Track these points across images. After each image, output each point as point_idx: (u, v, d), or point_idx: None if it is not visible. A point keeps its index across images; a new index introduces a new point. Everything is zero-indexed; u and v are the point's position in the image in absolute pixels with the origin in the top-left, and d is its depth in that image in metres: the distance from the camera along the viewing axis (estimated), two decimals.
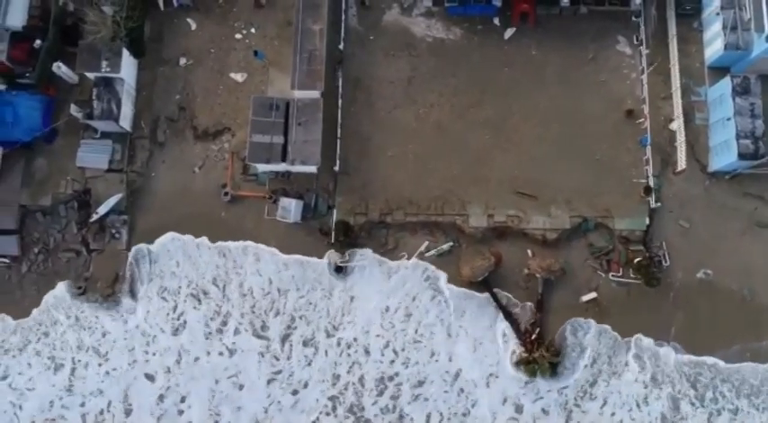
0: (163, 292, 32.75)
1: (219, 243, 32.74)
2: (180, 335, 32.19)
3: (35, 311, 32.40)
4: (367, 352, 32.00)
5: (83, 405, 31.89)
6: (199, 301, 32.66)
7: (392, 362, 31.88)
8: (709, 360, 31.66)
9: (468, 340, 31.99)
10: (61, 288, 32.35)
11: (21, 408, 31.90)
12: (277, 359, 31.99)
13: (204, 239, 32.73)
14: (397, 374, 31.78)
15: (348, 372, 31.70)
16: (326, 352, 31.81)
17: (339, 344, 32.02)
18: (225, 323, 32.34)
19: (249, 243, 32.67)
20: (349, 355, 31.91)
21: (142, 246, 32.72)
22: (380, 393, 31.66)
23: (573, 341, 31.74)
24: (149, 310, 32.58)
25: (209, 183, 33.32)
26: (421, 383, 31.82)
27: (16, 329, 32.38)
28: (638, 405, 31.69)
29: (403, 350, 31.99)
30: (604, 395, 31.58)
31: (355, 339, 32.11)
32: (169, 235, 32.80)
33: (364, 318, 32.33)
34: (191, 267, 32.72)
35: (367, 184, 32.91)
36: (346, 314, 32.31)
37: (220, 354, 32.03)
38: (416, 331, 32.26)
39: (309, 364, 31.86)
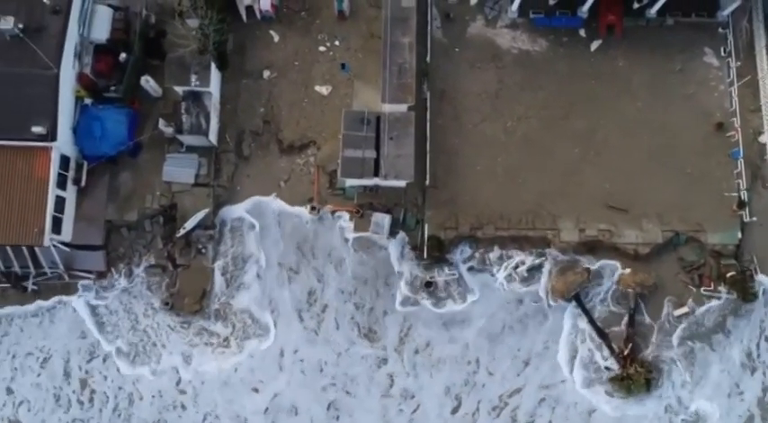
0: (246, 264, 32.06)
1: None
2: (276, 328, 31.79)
3: None
4: (490, 373, 31.40)
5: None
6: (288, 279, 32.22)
7: (518, 375, 31.38)
8: None
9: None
10: None
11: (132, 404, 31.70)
12: (393, 379, 31.41)
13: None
14: (523, 386, 31.38)
15: (468, 395, 31.25)
16: (446, 362, 31.35)
17: (464, 356, 31.50)
18: (322, 320, 31.79)
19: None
20: (468, 373, 31.38)
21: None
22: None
23: None
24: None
25: (295, 197, 33.06)
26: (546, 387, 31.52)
27: None
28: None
29: (531, 358, 31.42)
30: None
31: (477, 359, 31.42)
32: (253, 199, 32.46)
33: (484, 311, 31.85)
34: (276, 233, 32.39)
35: (456, 198, 32.52)
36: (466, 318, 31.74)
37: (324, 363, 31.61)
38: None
39: (431, 376, 31.40)
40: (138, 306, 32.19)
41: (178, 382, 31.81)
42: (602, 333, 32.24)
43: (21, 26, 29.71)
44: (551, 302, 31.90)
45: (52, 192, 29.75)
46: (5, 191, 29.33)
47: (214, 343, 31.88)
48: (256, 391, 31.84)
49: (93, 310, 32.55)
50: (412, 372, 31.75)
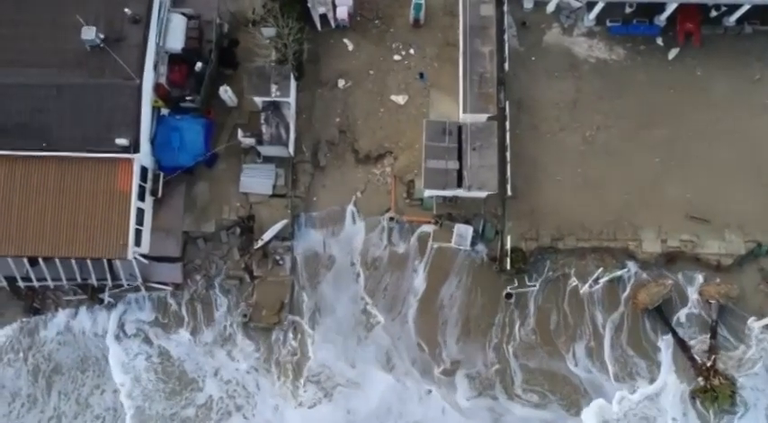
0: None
1: None
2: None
3: None
4: None
5: None
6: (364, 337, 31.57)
7: None
8: None
9: None
10: None
11: None
12: None
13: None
14: None
15: None
16: None
17: None
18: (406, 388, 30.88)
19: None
20: None
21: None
22: None
23: None
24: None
25: (372, 207, 32.61)
26: None
27: None
28: None
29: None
30: None
31: None
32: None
33: None
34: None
35: (536, 208, 32.11)
36: None
37: None
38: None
39: None
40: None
41: None
42: (684, 345, 32.10)
43: (102, 36, 29.27)
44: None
45: (134, 204, 29.50)
46: (88, 204, 28.92)
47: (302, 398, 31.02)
48: None
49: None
50: None
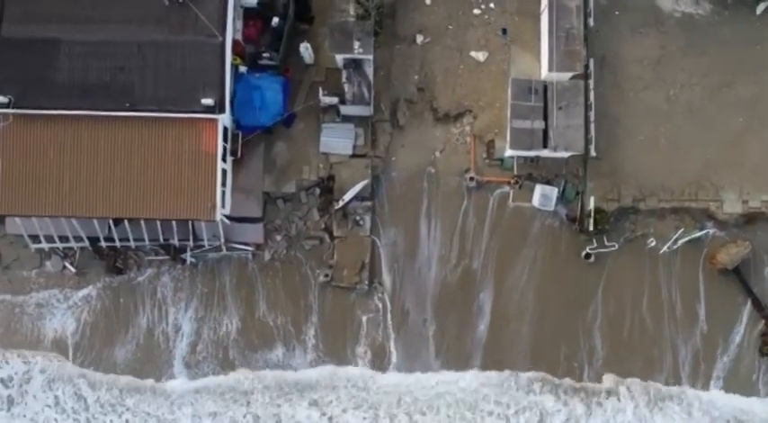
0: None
1: None
2: None
3: None
4: None
5: None
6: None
7: None
8: None
9: None
10: None
11: None
12: None
13: None
14: None
15: None
16: None
17: None
18: None
19: None
20: None
21: None
22: None
23: None
24: None
25: (451, 167, 32.21)
26: None
27: None
28: None
29: None
30: None
31: None
32: None
33: None
34: None
35: (617, 168, 31.80)
36: None
37: None
38: None
39: None
40: None
41: None
42: (759, 304, 32.51)
43: None
44: None
45: (220, 165, 29.27)
46: (174, 165, 28.50)
47: None
48: None
49: None
50: None
